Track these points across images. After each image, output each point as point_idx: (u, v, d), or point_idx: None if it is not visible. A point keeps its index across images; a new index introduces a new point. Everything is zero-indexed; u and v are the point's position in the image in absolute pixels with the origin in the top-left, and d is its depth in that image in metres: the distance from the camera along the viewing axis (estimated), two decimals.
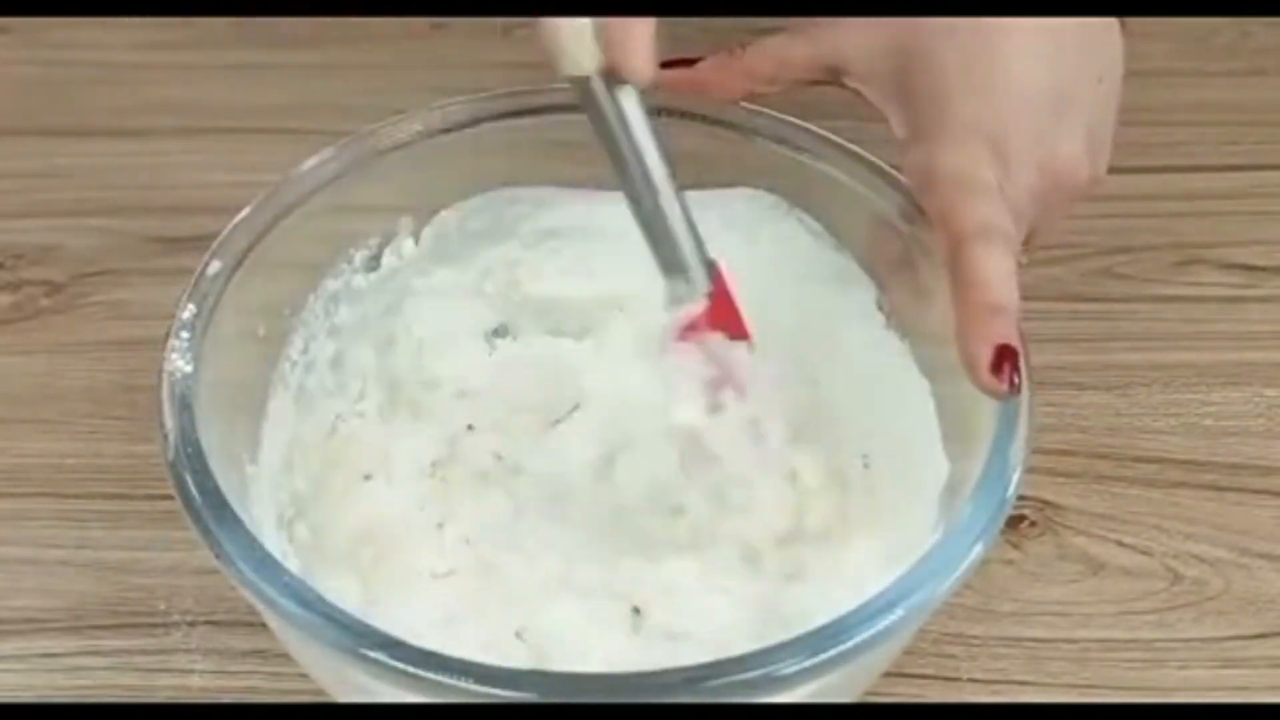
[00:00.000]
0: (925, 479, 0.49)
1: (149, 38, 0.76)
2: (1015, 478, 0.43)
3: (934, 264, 0.49)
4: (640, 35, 0.45)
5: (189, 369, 0.45)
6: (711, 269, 0.49)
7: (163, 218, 0.67)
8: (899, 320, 0.53)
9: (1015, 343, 0.45)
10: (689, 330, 0.50)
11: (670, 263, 0.49)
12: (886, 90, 0.52)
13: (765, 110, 0.54)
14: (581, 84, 0.46)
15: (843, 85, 0.54)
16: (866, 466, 0.53)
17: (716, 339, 0.50)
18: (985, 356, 0.45)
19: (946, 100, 0.50)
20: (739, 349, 0.50)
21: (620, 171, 0.48)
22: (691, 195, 0.55)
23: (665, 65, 0.53)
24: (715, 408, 0.50)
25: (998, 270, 0.46)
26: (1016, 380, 0.45)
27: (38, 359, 0.62)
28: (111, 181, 0.69)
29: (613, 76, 0.46)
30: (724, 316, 0.50)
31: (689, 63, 0.54)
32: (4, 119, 0.73)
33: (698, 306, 0.50)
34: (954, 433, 0.49)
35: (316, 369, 0.53)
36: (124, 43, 0.76)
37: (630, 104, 0.47)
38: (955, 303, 0.46)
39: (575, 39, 0.45)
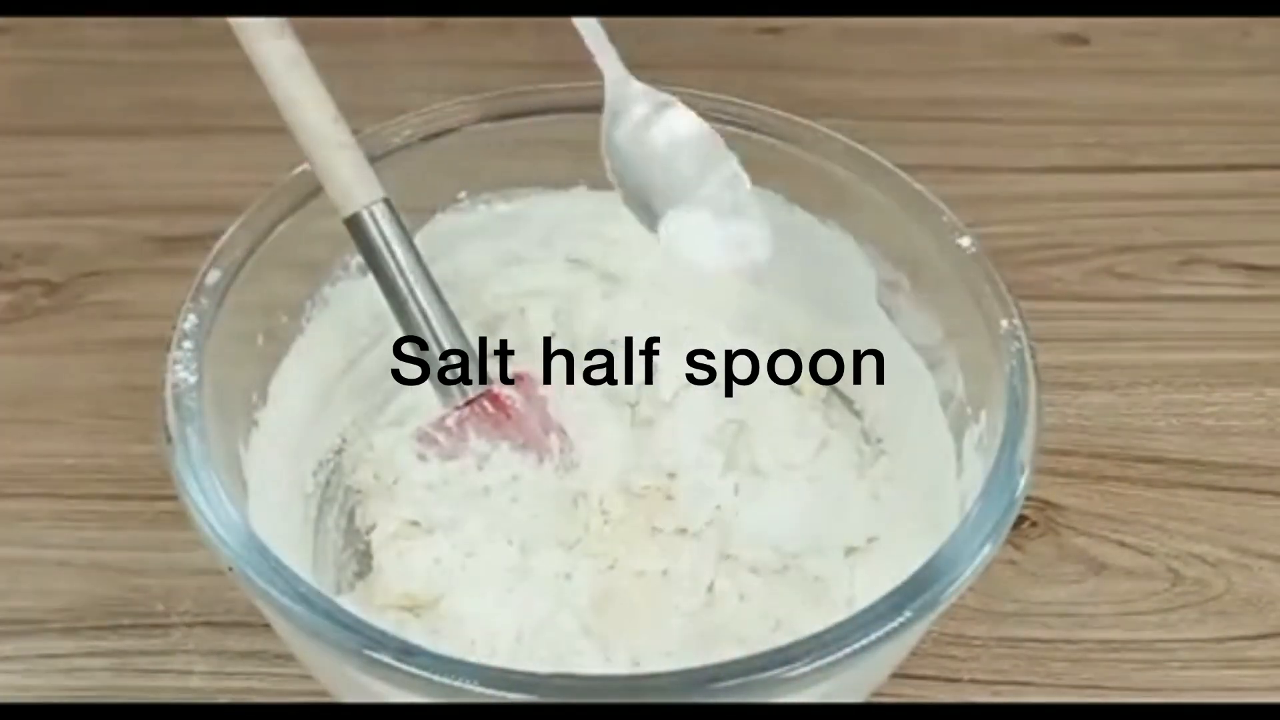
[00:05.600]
0: (939, 464, 0.49)
1: (149, 37, 0.75)
2: (1023, 479, 0.43)
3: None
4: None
5: (193, 379, 0.45)
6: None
7: (161, 218, 0.67)
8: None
9: None
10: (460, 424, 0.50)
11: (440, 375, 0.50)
12: None
13: (765, 108, 0.54)
14: (355, 221, 0.48)
15: None
16: (882, 452, 0.53)
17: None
18: None
19: None
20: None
21: (393, 299, 0.49)
22: None
23: None
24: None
25: None
26: None
27: (36, 359, 0.62)
28: (110, 181, 0.69)
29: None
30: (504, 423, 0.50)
31: None
32: (4, 119, 0.72)
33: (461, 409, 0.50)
34: (959, 426, 0.49)
35: None
36: (124, 43, 0.76)
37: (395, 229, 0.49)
38: None
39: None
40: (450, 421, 0.50)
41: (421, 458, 0.50)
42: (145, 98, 0.73)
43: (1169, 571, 0.55)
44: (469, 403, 0.50)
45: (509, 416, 0.50)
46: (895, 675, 0.48)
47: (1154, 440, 0.60)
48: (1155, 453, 0.59)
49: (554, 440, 0.51)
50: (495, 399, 0.50)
